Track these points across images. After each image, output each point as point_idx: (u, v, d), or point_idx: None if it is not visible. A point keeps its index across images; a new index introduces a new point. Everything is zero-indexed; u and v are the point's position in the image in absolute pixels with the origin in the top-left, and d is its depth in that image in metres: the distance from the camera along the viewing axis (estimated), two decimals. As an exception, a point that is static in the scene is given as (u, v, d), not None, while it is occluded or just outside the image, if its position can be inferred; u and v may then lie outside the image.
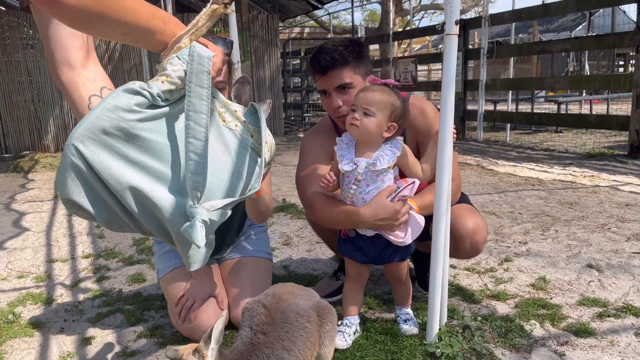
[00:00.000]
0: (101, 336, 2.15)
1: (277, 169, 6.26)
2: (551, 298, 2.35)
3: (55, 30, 1.42)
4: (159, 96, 1.12)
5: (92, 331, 2.20)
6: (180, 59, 1.13)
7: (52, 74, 1.48)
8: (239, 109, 1.35)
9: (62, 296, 2.62)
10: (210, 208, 1.17)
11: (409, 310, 2.06)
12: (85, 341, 2.11)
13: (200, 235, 1.11)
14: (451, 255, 2.20)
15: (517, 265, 2.76)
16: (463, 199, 2.31)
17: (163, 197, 1.15)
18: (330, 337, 1.54)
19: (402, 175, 1.95)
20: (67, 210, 1.14)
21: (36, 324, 2.29)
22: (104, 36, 1.09)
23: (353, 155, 1.86)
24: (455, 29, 1.69)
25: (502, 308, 2.26)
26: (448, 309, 2.18)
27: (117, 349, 2.04)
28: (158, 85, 1.12)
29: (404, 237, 1.90)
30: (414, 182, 1.88)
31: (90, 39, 1.50)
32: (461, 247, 2.14)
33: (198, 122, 1.14)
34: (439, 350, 1.82)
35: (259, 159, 1.34)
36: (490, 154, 6.72)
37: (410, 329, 1.99)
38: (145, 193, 1.12)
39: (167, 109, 1.16)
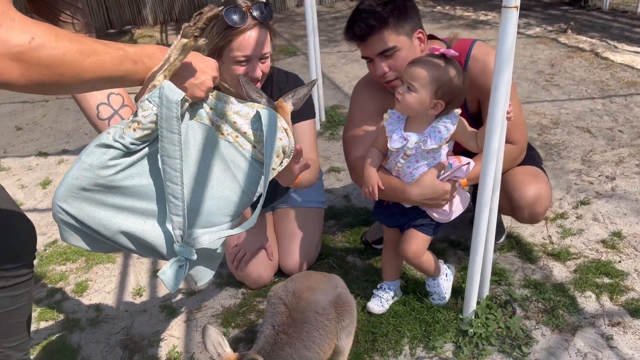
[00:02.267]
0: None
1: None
2: (620, 261, 2.18)
3: None
4: (133, 144, 1.11)
5: (161, 264, 2.44)
6: (151, 102, 1.09)
7: None
8: (239, 119, 1.28)
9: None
10: (195, 244, 1.20)
11: (435, 281, 1.98)
12: (155, 274, 2.36)
13: (173, 282, 1.17)
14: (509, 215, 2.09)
15: (593, 211, 2.54)
16: (531, 157, 2.10)
17: (156, 234, 1.20)
18: (348, 332, 1.60)
19: (456, 147, 1.81)
20: None
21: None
22: (70, 93, 1.06)
23: (402, 129, 1.74)
24: (514, 1, 1.40)
25: (560, 272, 2.15)
26: (497, 271, 2.14)
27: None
28: (130, 134, 1.10)
29: (449, 213, 1.81)
30: (468, 164, 1.75)
31: None
32: (519, 216, 2.00)
33: (172, 166, 1.13)
34: (471, 329, 1.82)
35: (261, 169, 1.31)
36: (612, 32, 5.83)
37: (436, 302, 1.98)
38: (138, 235, 1.18)
39: (146, 149, 1.16)
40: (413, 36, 1.81)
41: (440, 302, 1.97)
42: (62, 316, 2.16)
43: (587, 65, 4.76)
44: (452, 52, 1.67)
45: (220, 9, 1.10)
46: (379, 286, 2.02)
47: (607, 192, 2.70)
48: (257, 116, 1.28)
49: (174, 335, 2.01)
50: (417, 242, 1.86)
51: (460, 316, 1.90)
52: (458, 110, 1.73)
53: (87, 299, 2.25)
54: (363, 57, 1.87)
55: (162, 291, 2.26)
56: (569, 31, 5.92)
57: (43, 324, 2.12)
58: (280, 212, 2.33)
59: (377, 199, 1.81)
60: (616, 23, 6.26)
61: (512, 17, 1.42)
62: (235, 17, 1.69)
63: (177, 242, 1.19)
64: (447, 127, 1.69)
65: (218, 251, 1.33)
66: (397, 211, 1.89)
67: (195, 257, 1.21)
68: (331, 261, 2.31)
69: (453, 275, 2.03)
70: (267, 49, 1.82)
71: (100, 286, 2.33)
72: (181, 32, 1.09)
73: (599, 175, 2.86)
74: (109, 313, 2.16)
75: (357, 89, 2.08)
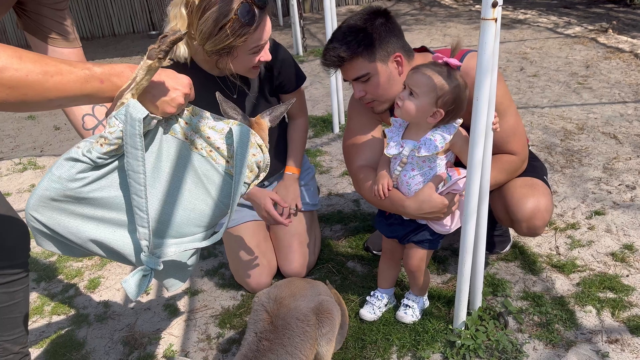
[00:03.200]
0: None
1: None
2: (627, 275, 2.10)
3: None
4: (100, 159, 1.17)
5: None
6: (117, 119, 1.15)
7: None
8: (213, 134, 1.33)
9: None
10: (161, 255, 1.26)
11: (419, 298, 1.98)
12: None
13: (134, 291, 1.22)
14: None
15: (607, 222, 2.46)
16: (532, 168, 2.05)
17: (125, 243, 1.26)
18: (328, 339, 1.62)
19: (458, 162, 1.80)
20: None
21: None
22: (39, 110, 1.13)
23: (400, 137, 1.76)
24: (492, 13, 1.39)
25: (562, 284, 2.09)
26: (496, 282, 2.11)
27: (183, 287, 2.35)
28: (98, 149, 1.16)
29: (449, 225, 1.81)
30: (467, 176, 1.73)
31: (81, 55, 1.53)
32: (518, 229, 1.96)
33: (137, 180, 1.19)
34: (459, 341, 1.80)
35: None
36: (657, 31, 5.57)
37: (404, 316, 1.94)
38: (107, 243, 1.24)
39: (116, 162, 1.22)
40: (389, 60, 1.81)
41: (410, 318, 1.93)
42: (73, 311, 2.27)
43: (625, 67, 4.57)
44: (455, 61, 1.65)
45: (183, 33, 1.14)
46: (372, 293, 2.03)
47: (625, 202, 2.60)
48: (231, 132, 1.33)
49: (172, 333, 2.08)
50: (419, 256, 1.87)
51: (450, 327, 1.89)
52: (459, 121, 1.72)
53: (97, 295, 2.37)
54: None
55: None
56: (610, 31, 5.69)
57: (55, 318, 2.24)
58: None
59: (385, 197, 1.81)
60: (663, 21, 5.98)
61: (490, 30, 1.40)
62: (249, 17, 1.68)
63: (144, 252, 1.25)
64: (444, 136, 1.68)
65: (188, 262, 1.38)
66: (395, 222, 1.89)
67: (161, 267, 1.27)
68: (331, 266, 2.33)
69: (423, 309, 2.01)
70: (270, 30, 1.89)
71: (111, 283, 2.44)
72: (147, 53, 1.14)
73: (619, 185, 2.76)
74: (116, 310, 2.26)
75: (353, 99, 2.09)
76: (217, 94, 1.47)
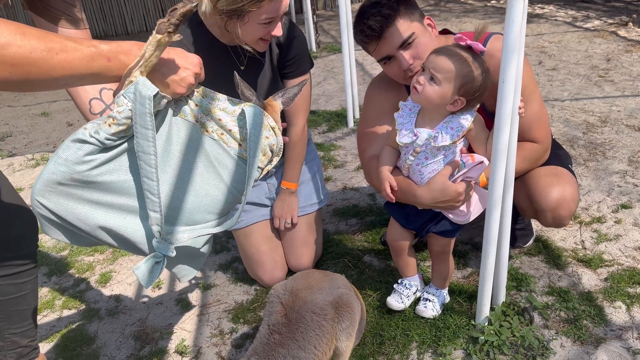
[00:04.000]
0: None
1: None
2: (658, 270, 2.01)
3: None
4: (108, 140, 1.11)
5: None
6: (125, 98, 1.09)
7: None
8: (225, 117, 1.27)
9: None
10: (174, 241, 1.20)
11: (440, 291, 1.91)
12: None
13: (147, 278, 1.16)
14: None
15: (635, 215, 2.36)
16: (556, 156, 1.96)
17: (135, 230, 1.20)
18: (348, 334, 1.55)
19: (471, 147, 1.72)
20: None
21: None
22: (44, 90, 1.08)
23: (413, 124, 1.66)
24: (520, -13, 1.31)
25: (589, 279, 2.00)
26: (519, 276, 2.03)
27: (195, 280, 2.30)
28: (106, 130, 1.10)
29: (466, 214, 1.72)
30: (482, 162, 1.65)
31: (88, 36, 1.47)
32: (542, 220, 1.88)
33: (147, 162, 1.13)
34: (483, 337, 1.73)
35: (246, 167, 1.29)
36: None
37: (424, 310, 1.87)
38: (117, 230, 1.18)
39: (125, 145, 1.16)
40: (424, 22, 1.74)
41: (430, 312, 1.86)
42: (84, 305, 2.23)
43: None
44: (480, 46, 1.56)
45: (193, 4, 1.08)
46: (400, 281, 1.94)
47: (652, 196, 2.50)
48: (243, 114, 1.27)
49: (185, 328, 2.03)
50: (443, 242, 1.83)
51: (473, 322, 1.81)
52: (476, 106, 1.64)
53: (109, 290, 2.32)
54: (380, 60, 1.79)
55: (180, 284, 2.29)
56: (631, 24, 5.55)
57: (66, 312, 2.20)
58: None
59: (394, 201, 1.75)
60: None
61: (517, 6, 1.32)
62: None
63: (155, 238, 1.19)
64: (461, 123, 1.60)
65: (201, 250, 1.32)
66: (410, 212, 1.81)
67: (173, 254, 1.21)
68: (347, 260, 2.27)
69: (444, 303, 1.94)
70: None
71: (122, 277, 2.40)
72: (155, 27, 1.09)
73: (646, 177, 2.66)
74: (128, 304, 2.21)
75: (371, 86, 2.02)
76: (235, 74, 1.41)
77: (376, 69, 5.11)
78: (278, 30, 1.76)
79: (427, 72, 1.58)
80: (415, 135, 1.64)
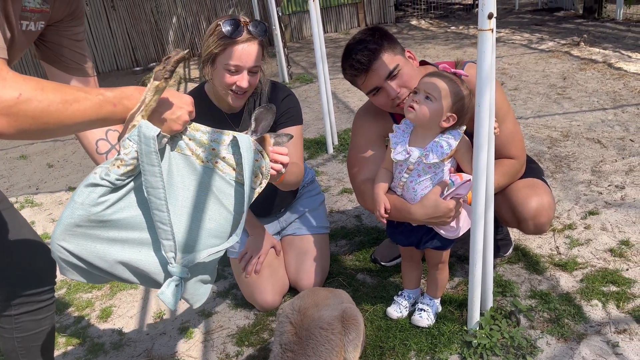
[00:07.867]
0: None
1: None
2: (627, 269, 2.19)
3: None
4: (118, 180, 1.22)
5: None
6: (131, 141, 1.21)
7: None
8: (217, 146, 1.38)
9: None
10: (188, 264, 1.30)
11: (434, 301, 2.06)
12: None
13: (172, 300, 1.26)
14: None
15: (602, 221, 2.56)
16: (531, 170, 2.15)
17: (150, 262, 1.30)
18: (354, 345, 1.67)
19: (459, 168, 1.88)
20: None
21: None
22: (58, 137, 1.19)
23: (407, 143, 1.82)
24: (489, 24, 1.49)
25: (566, 282, 2.17)
26: (503, 283, 2.18)
27: (194, 309, 2.37)
28: (115, 171, 1.21)
29: (456, 229, 1.88)
30: (469, 180, 1.81)
31: (96, 84, 1.60)
32: (524, 228, 2.05)
33: (157, 196, 1.24)
34: (475, 340, 1.86)
35: (244, 190, 1.40)
36: (625, 42, 5.82)
37: (420, 320, 2.01)
38: (134, 264, 1.28)
39: (132, 183, 1.27)
40: (405, 55, 1.92)
41: (426, 322, 2.00)
42: (87, 341, 2.28)
43: (600, 77, 4.77)
44: (463, 72, 1.76)
45: (185, 52, 1.23)
46: (399, 293, 2.10)
47: (616, 202, 2.71)
48: (234, 141, 1.39)
49: (191, 355, 2.10)
50: (438, 257, 1.98)
51: (465, 328, 1.95)
52: (463, 127, 1.80)
53: (111, 324, 2.37)
54: (369, 92, 1.93)
55: (182, 313, 2.36)
56: (582, 43, 5.94)
57: (70, 349, 2.24)
58: (288, 239, 2.42)
59: (385, 222, 1.89)
60: (630, 33, 6.26)
61: (487, 40, 1.50)
62: (230, 28, 1.86)
63: (171, 263, 1.29)
64: (449, 142, 1.76)
65: (210, 275, 1.42)
66: (406, 229, 1.95)
67: (188, 275, 1.31)
68: (341, 279, 2.39)
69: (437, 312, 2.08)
70: (258, 62, 1.96)
71: (123, 311, 2.46)
72: (153, 75, 1.22)
73: (609, 185, 2.88)
74: (132, 336, 2.27)
75: (358, 116, 2.17)
76: (247, 109, 1.56)
77: (348, 97, 5.32)
78: (243, 82, 1.94)
79: (421, 93, 1.74)
80: (408, 153, 1.79)
